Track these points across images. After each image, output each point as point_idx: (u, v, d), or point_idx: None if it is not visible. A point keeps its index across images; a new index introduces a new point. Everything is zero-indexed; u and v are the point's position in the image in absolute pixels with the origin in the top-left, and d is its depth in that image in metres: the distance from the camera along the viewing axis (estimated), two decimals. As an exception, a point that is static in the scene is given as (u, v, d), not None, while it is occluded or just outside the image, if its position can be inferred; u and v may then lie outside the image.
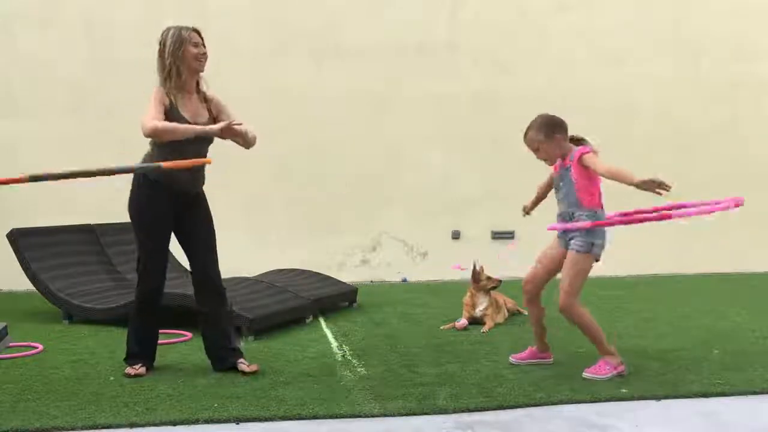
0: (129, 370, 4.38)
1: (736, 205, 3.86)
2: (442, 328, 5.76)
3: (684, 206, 4.24)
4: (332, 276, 7.18)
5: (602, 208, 4.32)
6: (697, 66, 9.11)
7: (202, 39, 4.36)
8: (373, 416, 3.66)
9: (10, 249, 6.26)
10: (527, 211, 4.67)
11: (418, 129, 8.73)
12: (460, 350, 5.00)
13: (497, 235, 8.78)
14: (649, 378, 4.24)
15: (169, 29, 4.31)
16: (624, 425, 3.51)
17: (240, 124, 4.25)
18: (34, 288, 6.33)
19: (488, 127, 8.70)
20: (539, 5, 8.90)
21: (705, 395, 3.94)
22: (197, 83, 4.43)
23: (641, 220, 4.13)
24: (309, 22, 8.64)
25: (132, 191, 4.40)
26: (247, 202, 8.32)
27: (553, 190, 4.51)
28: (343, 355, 4.90)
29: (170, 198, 4.34)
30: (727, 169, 8.91)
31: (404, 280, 8.73)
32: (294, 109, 8.51)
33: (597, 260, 4.32)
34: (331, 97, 8.60)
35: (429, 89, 8.71)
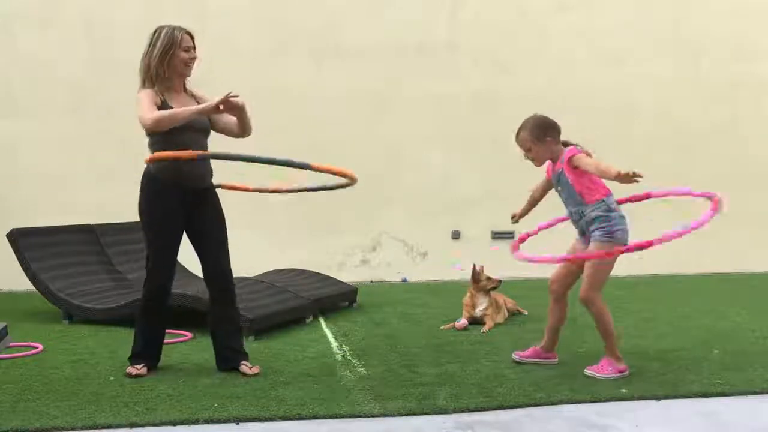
0: (130, 369, 4.38)
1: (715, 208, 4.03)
2: (442, 328, 5.76)
3: (650, 195, 4.55)
4: (332, 276, 7.19)
5: (610, 194, 4.29)
6: (697, 66, 9.11)
7: (194, 43, 4.35)
8: (373, 416, 3.66)
9: (10, 249, 6.25)
10: (516, 219, 4.66)
11: (418, 129, 8.73)
12: (460, 350, 5.00)
13: (497, 235, 8.78)
14: (649, 378, 4.24)
15: (161, 29, 4.29)
16: (624, 425, 3.51)
17: (237, 96, 4.20)
18: (34, 288, 6.33)
19: (488, 127, 8.69)
20: (539, 5, 8.90)
21: (705, 395, 3.94)
22: (184, 83, 4.42)
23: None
24: (309, 22, 8.64)
25: (141, 189, 4.38)
26: (247, 202, 8.30)
27: (549, 193, 4.53)
28: (343, 355, 4.90)
29: (179, 195, 4.32)
30: (727, 169, 8.91)
31: (404, 280, 8.73)
32: (294, 109, 8.51)
33: (624, 245, 4.24)
34: (331, 97, 8.60)
35: (429, 89, 8.71)
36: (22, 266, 6.24)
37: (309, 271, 7.13)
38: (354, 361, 4.73)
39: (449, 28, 8.81)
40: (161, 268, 4.41)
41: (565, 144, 4.37)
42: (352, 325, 5.92)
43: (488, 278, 5.94)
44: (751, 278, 8.44)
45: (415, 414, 3.68)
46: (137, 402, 3.85)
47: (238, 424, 3.57)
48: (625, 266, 8.33)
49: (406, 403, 3.82)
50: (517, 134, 4.39)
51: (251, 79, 8.29)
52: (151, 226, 4.38)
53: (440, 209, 8.76)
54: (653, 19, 9.03)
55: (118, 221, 6.95)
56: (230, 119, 4.41)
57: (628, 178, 3.84)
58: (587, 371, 4.27)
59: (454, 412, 3.70)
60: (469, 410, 3.71)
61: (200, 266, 4.56)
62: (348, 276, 7.92)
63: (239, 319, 4.70)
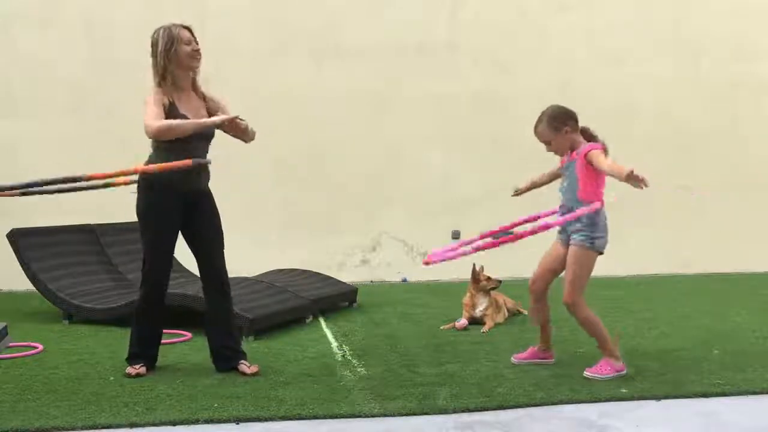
0: (129, 369, 4.38)
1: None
2: (442, 328, 5.76)
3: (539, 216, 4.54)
4: (332, 276, 7.18)
5: (603, 205, 4.30)
6: (697, 66, 9.10)
7: (193, 36, 4.36)
8: (373, 416, 3.67)
9: (10, 249, 6.25)
10: (519, 192, 4.67)
11: (418, 129, 8.72)
12: (460, 350, 5.00)
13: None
14: (649, 378, 4.24)
15: (159, 29, 4.30)
16: (624, 425, 3.51)
17: (243, 121, 4.28)
18: (34, 288, 6.33)
19: (488, 127, 8.70)
20: (539, 5, 8.90)
21: (705, 395, 3.95)
22: (194, 81, 4.43)
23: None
24: (309, 22, 8.63)
25: (138, 191, 4.39)
26: (247, 202, 8.31)
27: (554, 182, 4.54)
28: (343, 355, 4.90)
29: (176, 197, 4.33)
30: (727, 169, 8.91)
31: (404, 280, 8.73)
32: (294, 109, 8.51)
33: (600, 254, 4.31)
34: (331, 97, 8.59)
35: (429, 89, 8.71)
36: (22, 266, 6.24)
37: (309, 271, 7.13)
38: (354, 361, 4.73)
39: (449, 28, 8.81)
40: (157, 270, 4.43)
41: (584, 131, 4.36)
42: (352, 325, 5.92)
43: (488, 278, 5.94)
44: (751, 278, 8.43)
45: (415, 414, 3.68)
46: (137, 402, 3.85)
47: (238, 424, 3.57)
48: (625, 266, 8.44)
49: (406, 403, 3.82)
50: (536, 127, 4.37)
51: (251, 79, 8.31)
52: (148, 228, 4.40)
53: (440, 209, 8.75)
54: (653, 19, 9.03)
55: (118, 221, 6.94)
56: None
57: (638, 180, 3.88)
58: (587, 374, 4.26)
59: (454, 412, 3.70)
60: (469, 410, 3.71)
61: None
62: (348, 276, 7.92)
63: (235, 319, 4.71)
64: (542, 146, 4.45)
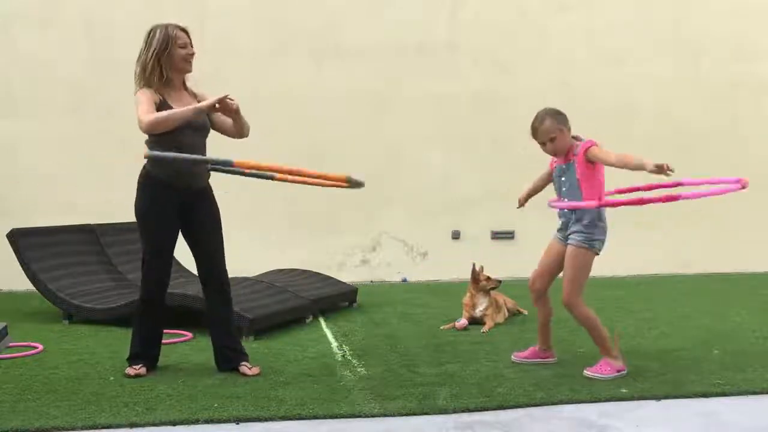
0: (129, 370, 4.38)
1: (743, 187, 4.02)
2: (442, 328, 5.76)
3: (681, 184, 4.45)
4: (332, 276, 7.19)
5: (605, 206, 4.30)
6: (697, 66, 9.11)
7: (189, 38, 4.36)
8: (373, 416, 3.66)
9: (10, 249, 6.25)
10: (522, 203, 4.67)
11: (418, 129, 8.73)
12: (460, 350, 5.00)
13: (497, 235, 8.78)
14: (649, 378, 4.24)
15: (155, 29, 4.30)
16: (624, 425, 3.51)
17: (233, 100, 4.25)
18: (34, 288, 6.33)
19: (488, 127, 8.71)
20: (539, 5, 8.90)
21: (705, 395, 3.94)
22: (183, 81, 4.43)
23: (645, 202, 4.11)
24: (309, 22, 8.64)
25: (138, 189, 4.39)
26: (247, 202, 8.31)
27: (551, 185, 4.52)
28: (343, 355, 4.90)
29: (175, 194, 4.33)
30: (727, 169, 8.85)
31: (404, 280, 8.73)
32: (294, 109, 8.51)
33: (597, 254, 4.32)
34: (331, 97, 8.60)
35: (429, 89, 8.71)
36: (22, 266, 6.24)
37: (309, 271, 7.13)
38: (354, 361, 4.73)
39: (449, 28, 8.81)
40: (157, 269, 4.42)
41: (576, 138, 4.36)
42: (352, 325, 5.92)
43: (488, 278, 5.94)
44: (751, 278, 8.44)
45: (415, 414, 3.68)
46: (137, 402, 3.85)
47: (238, 424, 3.57)
48: (625, 266, 8.45)
49: (406, 403, 3.82)
50: (539, 126, 4.30)
51: (251, 79, 8.31)
52: (147, 226, 4.39)
53: (440, 209, 8.76)
54: (653, 19, 9.03)
55: (118, 221, 6.95)
56: (226, 119, 4.42)
57: (663, 170, 3.89)
58: (587, 373, 4.26)
59: (454, 412, 3.70)
60: (469, 410, 3.71)
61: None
62: (348, 276, 7.93)
63: (235, 319, 4.70)
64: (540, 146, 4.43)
